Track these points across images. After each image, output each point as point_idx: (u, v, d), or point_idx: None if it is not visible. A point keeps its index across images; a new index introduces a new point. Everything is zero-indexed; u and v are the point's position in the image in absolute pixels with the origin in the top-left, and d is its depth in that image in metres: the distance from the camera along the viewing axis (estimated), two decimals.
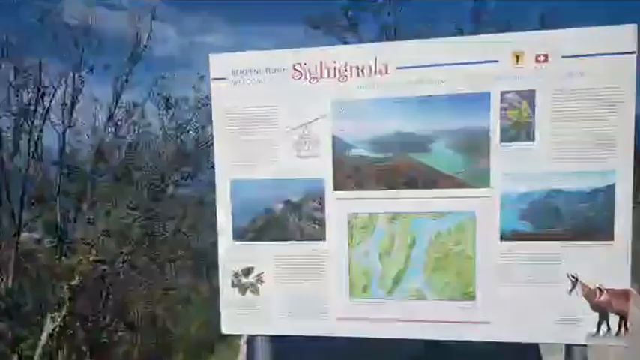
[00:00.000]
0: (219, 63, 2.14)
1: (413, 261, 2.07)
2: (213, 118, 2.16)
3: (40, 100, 5.13)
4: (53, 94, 5.22)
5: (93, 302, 5.86)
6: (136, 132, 5.98)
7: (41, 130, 5.24)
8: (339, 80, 2.06)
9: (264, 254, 2.14)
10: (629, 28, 1.87)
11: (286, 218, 2.13)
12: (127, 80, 5.54)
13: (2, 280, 4.85)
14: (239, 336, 3.44)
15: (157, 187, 5.55)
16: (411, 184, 2.06)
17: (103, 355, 5.83)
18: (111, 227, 5.32)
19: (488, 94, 1.96)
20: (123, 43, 5.59)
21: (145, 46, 5.64)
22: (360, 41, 6.06)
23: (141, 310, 6.66)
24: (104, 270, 5.58)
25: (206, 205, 6.84)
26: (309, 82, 2.08)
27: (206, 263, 7.68)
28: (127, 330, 6.32)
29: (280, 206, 2.14)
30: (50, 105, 5.21)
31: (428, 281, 2.06)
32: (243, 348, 2.96)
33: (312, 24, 6.23)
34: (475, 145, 2.00)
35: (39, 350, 4.73)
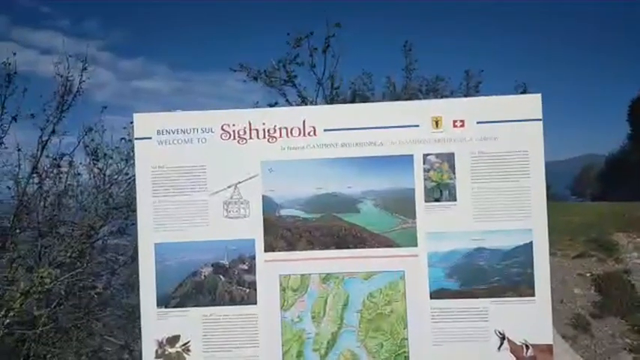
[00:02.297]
0: (145, 122, 2.09)
1: (346, 322, 2.05)
2: (136, 179, 2.08)
3: None
4: None
5: None
6: (63, 184, 5.65)
7: None
8: (268, 141, 2.07)
9: (191, 321, 2.03)
10: (535, 97, 2.04)
11: (215, 282, 2.05)
12: (53, 131, 5.28)
13: None
14: None
15: (84, 243, 5.22)
16: (342, 244, 2.07)
17: None
18: (32, 288, 4.89)
19: (412, 156, 2.04)
20: (51, 90, 5.36)
21: (77, 93, 5.44)
22: (299, 93, 6.21)
23: None
24: (23, 333, 5.09)
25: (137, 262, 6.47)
26: (238, 142, 2.07)
27: (137, 320, 7.21)
28: None
29: (208, 270, 2.06)
30: None
31: (362, 343, 2.03)
32: None
33: (251, 75, 6.32)
34: (402, 206, 2.06)
35: None
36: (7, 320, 4.65)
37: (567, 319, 4.24)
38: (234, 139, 2.08)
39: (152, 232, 2.06)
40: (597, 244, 5.48)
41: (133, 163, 5.72)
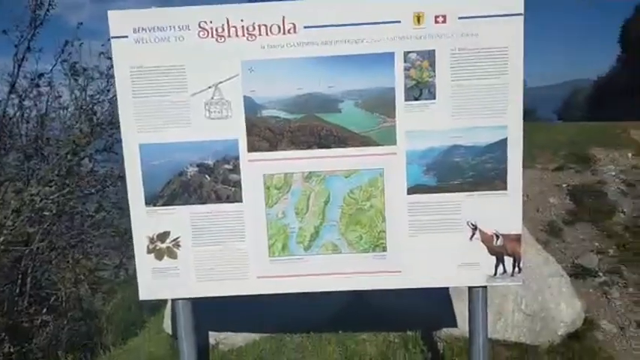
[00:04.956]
0: (120, 20, 2.04)
1: (328, 217, 2.15)
2: (115, 79, 2.06)
3: None
4: None
5: (9, 286, 5.50)
6: (44, 104, 5.54)
7: None
8: (247, 39, 2.04)
9: (180, 218, 2.12)
10: None
11: (201, 181, 2.11)
12: (29, 47, 5.07)
13: None
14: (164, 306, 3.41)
15: (70, 161, 5.22)
16: (323, 143, 2.11)
17: (25, 340, 5.54)
18: (23, 207, 4.96)
19: (392, 54, 2.04)
20: (22, 5, 5.09)
21: (48, 10, 5.17)
22: None
23: (65, 292, 6.34)
24: (21, 251, 5.24)
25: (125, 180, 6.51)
26: (217, 40, 2.04)
27: (131, 241, 7.42)
28: (50, 313, 6.01)
29: (194, 169, 2.11)
30: None
31: (343, 236, 2.15)
32: (167, 314, 2.94)
33: None
34: (382, 104, 2.09)
35: None
36: (2, 238, 4.76)
37: (542, 225, 4.46)
38: (213, 37, 2.04)
39: (136, 132, 2.08)
40: (576, 158, 5.62)
41: (114, 81, 5.57)
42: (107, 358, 3.41)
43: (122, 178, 6.39)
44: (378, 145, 2.10)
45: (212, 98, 2.08)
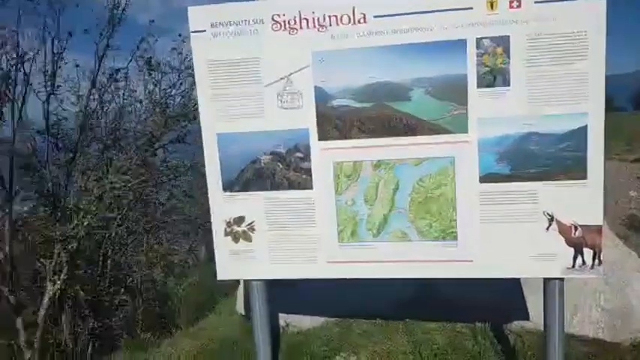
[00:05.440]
0: (199, 15, 2.15)
1: (397, 205, 2.16)
2: (195, 72, 2.18)
3: (21, 67, 5.04)
4: (33, 60, 5.12)
5: (91, 267, 5.97)
6: (121, 98, 5.91)
7: (24, 98, 5.17)
8: (318, 31, 2.09)
9: (254, 204, 2.22)
10: None
11: (273, 169, 2.20)
12: (108, 45, 5.43)
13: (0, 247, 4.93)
14: (237, 289, 3.57)
15: (146, 152, 5.56)
16: (393, 131, 2.12)
17: (106, 318, 6.01)
18: (104, 194, 5.36)
19: (465, 40, 2.00)
20: (101, 7, 5.43)
21: (124, 9, 5.50)
22: None
23: (140, 275, 6.80)
24: (102, 235, 5.66)
25: (196, 169, 6.88)
26: (289, 33, 2.10)
27: (202, 227, 7.79)
28: (127, 294, 6.47)
29: (267, 157, 2.20)
30: (31, 71, 5.11)
31: (412, 224, 2.16)
32: (240, 296, 3.09)
33: None
34: (453, 92, 2.06)
35: (42, 313, 4.86)
36: (86, 222, 5.17)
37: (620, 219, 4.21)
38: (285, 29, 2.11)
39: (213, 122, 2.20)
40: None
41: (186, 76, 5.81)
42: (180, 336, 3.63)
43: (192, 168, 6.75)
44: (449, 132, 2.08)
45: (284, 89, 2.15)
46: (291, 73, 2.14)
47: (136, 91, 6.10)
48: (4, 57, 5.06)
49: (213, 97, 2.19)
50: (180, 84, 5.69)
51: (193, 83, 5.97)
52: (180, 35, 5.64)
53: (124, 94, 6.01)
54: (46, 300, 4.93)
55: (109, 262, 5.99)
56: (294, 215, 2.22)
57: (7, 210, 5.06)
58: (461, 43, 2.02)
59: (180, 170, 6.60)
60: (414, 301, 2.80)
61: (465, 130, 2.07)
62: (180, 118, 5.61)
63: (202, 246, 8.46)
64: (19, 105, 5.14)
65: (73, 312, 5.50)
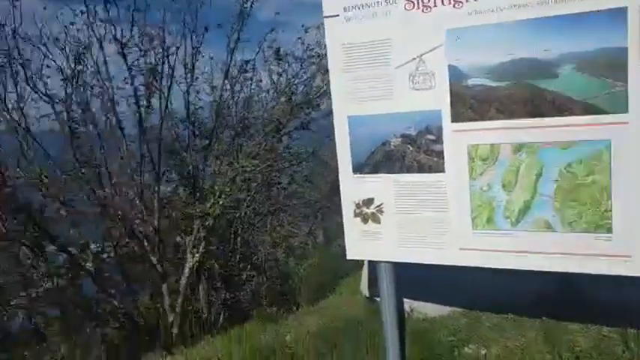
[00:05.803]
0: (332, 0, 2.18)
1: (540, 192, 1.99)
2: (328, 56, 2.23)
3: (166, 60, 5.63)
4: (176, 54, 5.68)
5: (223, 244, 6.52)
6: (249, 88, 6.30)
7: (169, 89, 5.77)
8: (453, 7, 1.99)
9: (383, 186, 2.22)
10: None
11: (404, 151, 2.17)
12: (238, 38, 5.81)
13: (149, 222, 5.61)
14: (358, 270, 3.63)
15: (273, 138, 5.89)
16: (536, 112, 1.96)
17: (236, 291, 6.54)
18: (236, 176, 5.80)
19: (625, 9, 1.76)
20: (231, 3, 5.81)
21: (253, 3, 5.81)
22: None
23: (264, 253, 7.26)
24: (233, 214, 6.14)
25: (316, 156, 7.09)
26: (422, 11, 2.04)
27: (321, 212, 8.05)
28: (253, 270, 6.96)
29: (397, 140, 2.17)
30: (175, 65, 5.68)
31: (558, 213, 1.97)
32: (365, 277, 3.13)
33: None
34: (609, 67, 1.83)
35: (183, 282, 5.45)
36: (221, 202, 5.65)
37: None
38: (419, 8, 2.05)
39: (345, 105, 2.23)
40: None
41: (308, 65, 5.97)
42: (303, 313, 3.80)
43: (313, 154, 6.99)
44: (605, 113, 1.86)
45: (416, 69, 2.10)
46: (424, 53, 2.08)
47: (262, 81, 6.46)
48: (152, 52, 5.71)
49: (345, 81, 2.21)
50: (304, 72, 5.89)
51: (316, 72, 6.20)
52: (303, 26, 5.83)
53: (251, 84, 6.40)
54: (186, 270, 5.52)
55: (238, 239, 6.48)
56: (424, 199, 2.16)
57: (155, 189, 5.75)
58: (620, 13, 1.77)
59: (301, 156, 6.88)
60: (552, 298, 2.57)
61: (624, 110, 1.83)
62: (304, 106, 5.81)
63: (321, 229, 8.74)
64: (165, 95, 5.76)
65: (208, 283, 6.07)
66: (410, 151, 2.16)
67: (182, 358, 2.91)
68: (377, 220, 2.25)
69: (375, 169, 2.23)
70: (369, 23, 2.14)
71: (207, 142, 6.23)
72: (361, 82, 2.19)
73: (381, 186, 2.22)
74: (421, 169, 2.15)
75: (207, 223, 5.41)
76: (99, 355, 5.35)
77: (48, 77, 5.26)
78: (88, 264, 5.54)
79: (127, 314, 5.67)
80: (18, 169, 5.37)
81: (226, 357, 2.69)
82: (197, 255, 5.43)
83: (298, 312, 4.14)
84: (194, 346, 3.46)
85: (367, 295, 3.10)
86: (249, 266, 6.98)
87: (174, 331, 5.39)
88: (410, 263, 2.24)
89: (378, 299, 2.53)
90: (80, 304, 6.04)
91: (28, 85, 5.16)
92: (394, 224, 2.22)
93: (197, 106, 6.25)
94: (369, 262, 2.90)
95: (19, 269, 5.80)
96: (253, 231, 7.25)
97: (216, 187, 5.71)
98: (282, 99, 5.88)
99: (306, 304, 4.99)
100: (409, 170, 2.17)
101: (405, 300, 2.87)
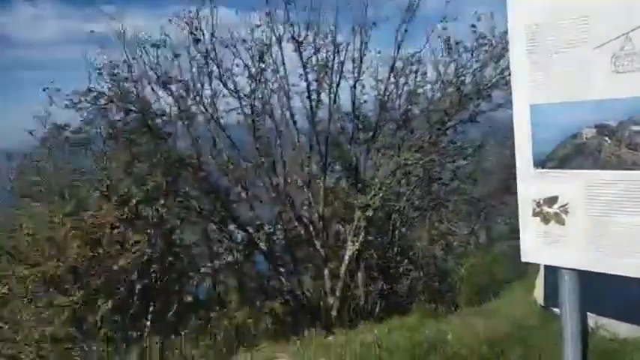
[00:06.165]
0: None
1: None
2: (510, 38, 2.07)
3: (336, 56, 5.88)
4: (345, 50, 5.89)
5: (382, 235, 6.60)
6: (414, 80, 6.21)
7: (338, 84, 6.02)
8: None
9: (572, 184, 1.97)
10: None
11: (599, 144, 1.90)
12: (406, 30, 5.78)
13: (315, 209, 5.98)
14: (526, 275, 3.34)
15: (438, 129, 5.73)
16: None
17: (393, 282, 6.59)
18: (397, 169, 5.81)
19: None
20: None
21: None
22: None
23: (421, 249, 7.15)
24: (392, 207, 6.19)
25: (481, 151, 6.71)
26: None
27: (485, 211, 7.61)
28: (410, 264, 6.92)
29: (591, 131, 1.91)
30: (344, 60, 5.91)
31: None
32: (540, 284, 2.86)
33: None
34: None
35: (343, 268, 5.69)
36: (381, 194, 5.72)
37: None
38: None
39: (527, 92, 2.04)
40: None
41: (479, 54, 5.66)
42: (464, 313, 3.63)
43: (480, 148, 6.62)
44: None
45: (621, 49, 1.81)
46: (632, 30, 1.78)
47: (426, 74, 6.32)
48: (324, 49, 6.02)
49: (528, 66, 2.02)
50: (475, 61, 5.59)
51: (488, 60, 5.82)
52: (475, 12, 5.52)
53: (416, 76, 6.30)
54: (346, 257, 5.74)
55: (396, 232, 6.50)
56: (623, 200, 1.86)
57: (321, 179, 6.09)
58: None
59: (466, 151, 6.56)
60: None
61: None
62: (474, 97, 5.53)
63: (483, 229, 8.26)
64: (334, 90, 6.04)
65: (366, 272, 6.23)
66: (608, 144, 1.88)
67: (344, 338, 3.03)
68: (561, 222, 2.01)
69: (561, 164, 1.99)
70: (561, 1, 1.92)
71: (370, 135, 6.36)
72: (548, 67, 1.98)
73: (567, 183, 1.98)
74: (621, 165, 1.86)
75: (367, 214, 5.53)
76: (266, 326, 5.90)
77: (236, 76, 5.95)
78: (261, 243, 6.13)
79: (291, 292, 6.14)
80: (210, 157, 6.20)
81: (386, 344, 2.71)
82: (357, 244, 5.60)
83: (459, 312, 3.98)
84: (352, 329, 3.57)
85: (542, 303, 2.81)
86: (406, 260, 6.95)
87: (334, 313, 5.66)
88: (598, 273, 1.96)
89: (555, 309, 2.28)
90: (254, 279, 6.76)
91: (221, 82, 5.88)
92: (582, 227, 1.96)
93: (362, 101, 6.41)
94: (547, 267, 2.62)
95: (207, 242, 6.72)
96: (411, 225, 7.18)
97: (377, 180, 5.80)
98: (449, 90, 5.67)
99: (465, 304, 4.77)
100: (605, 166, 1.89)
101: (589, 314, 2.53)
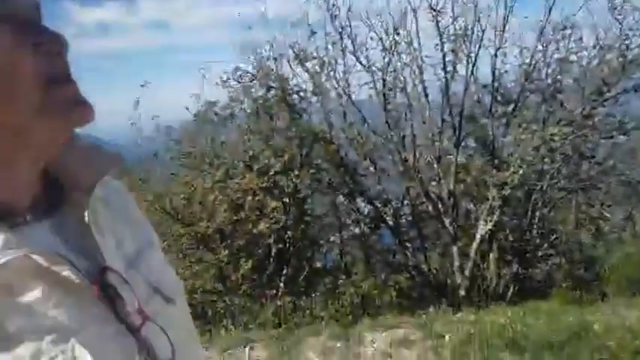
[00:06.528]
0: None
1: None
2: None
3: (477, 24, 5.53)
4: (488, 16, 5.51)
5: (519, 216, 6.16)
6: (567, 47, 5.56)
7: (477, 54, 5.68)
8: None
9: None
10: None
11: None
12: None
13: (444, 185, 5.80)
14: None
15: (594, 100, 5.09)
16: None
17: (529, 267, 6.15)
18: (542, 144, 5.33)
19: None
20: None
21: None
22: None
23: (565, 233, 6.53)
24: (533, 187, 5.74)
25: None
26: None
27: None
28: (551, 249, 6.37)
29: None
30: (486, 28, 5.53)
31: None
32: None
33: None
34: None
35: (474, 247, 5.46)
36: (522, 171, 5.30)
37: None
38: None
39: None
40: None
41: None
42: (615, 304, 3.26)
43: (637, 128, 5.73)
44: None
45: None
46: None
47: (581, 38, 5.61)
48: (464, 17, 5.70)
49: None
50: None
51: None
52: None
53: (568, 42, 5.65)
54: (478, 236, 5.48)
55: (537, 214, 6.00)
56: None
57: (453, 154, 5.85)
58: None
59: (626, 126, 5.72)
60: None
61: None
62: None
63: None
64: (473, 60, 5.71)
65: (499, 254, 5.90)
66: None
67: (473, 317, 2.94)
68: None
69: None
70: None
71: (510, 108, 5.91)
72: None
73: None
74: None
75: (503, 193, 5.20)
76: (391, 298, 5.96)
77: (369, 50, 5.96)
78: (388, 218, 6.16)
79: (417, 267, 6.09)
80: (341, 131, 6.35)
81: (519, 326, 2.57)
82: (490, 223, 5.32)
83: (608, 302, 3.59)
84: (482, 309, 3.45)
85: None
86: (546, 244, 6.39)
87: (462, 292, 5.50)
88: None
89: None
90: (380, 252, 6.84)
91: (354, 56, 5.95)
92: None
93: (503, 71, 5.97)
94: None
95: (336, 213, 6.96)
96: (555, 207, 6.55)
97: (516, 156, 5.39)
98: (609, 56, 4.98)
99: (615, 295, 4.27)
100: None
101: None
